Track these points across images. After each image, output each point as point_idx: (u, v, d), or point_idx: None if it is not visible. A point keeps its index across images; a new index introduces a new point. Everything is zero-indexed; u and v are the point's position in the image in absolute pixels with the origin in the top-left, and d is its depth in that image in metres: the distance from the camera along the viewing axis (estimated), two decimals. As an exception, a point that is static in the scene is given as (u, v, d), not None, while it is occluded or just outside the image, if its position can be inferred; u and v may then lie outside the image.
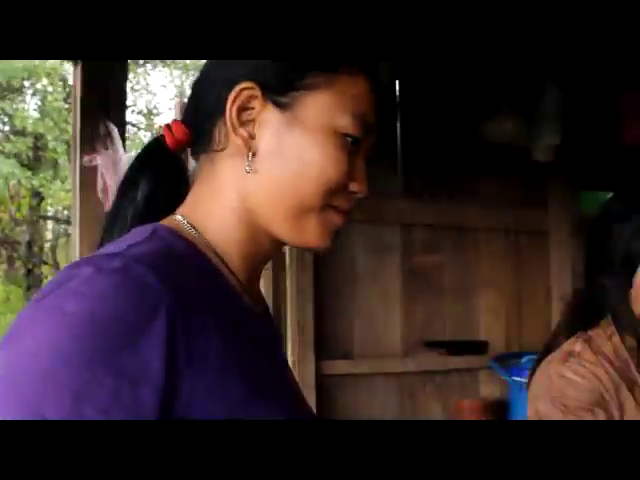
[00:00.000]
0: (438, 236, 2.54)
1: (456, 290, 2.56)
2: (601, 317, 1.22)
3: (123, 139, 1.83)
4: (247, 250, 0.75)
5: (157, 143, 0.79)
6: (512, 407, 2.41)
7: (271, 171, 0.72)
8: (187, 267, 0.68)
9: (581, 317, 1.24)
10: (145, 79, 11.91)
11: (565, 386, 1.13)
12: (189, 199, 0.77)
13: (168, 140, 0.78)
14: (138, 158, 0.80)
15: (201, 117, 0.76)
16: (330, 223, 0.75)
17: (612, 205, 1.28)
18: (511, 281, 2.66)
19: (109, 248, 0.67)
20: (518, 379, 2.38)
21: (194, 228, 0.73)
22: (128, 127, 9.27)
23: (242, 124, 0.72)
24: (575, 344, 1.19)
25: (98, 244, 0.76)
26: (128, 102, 9.34)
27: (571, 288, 2.59)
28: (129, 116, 10.40)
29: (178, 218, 0.74)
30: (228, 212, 0.74)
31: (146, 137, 10.29)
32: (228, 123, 0.72)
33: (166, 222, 0.73)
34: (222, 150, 0.74)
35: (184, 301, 0.62)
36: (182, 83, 11.37)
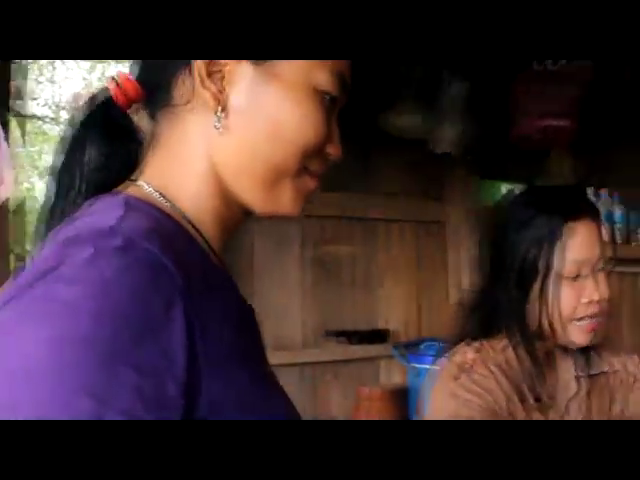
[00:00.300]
0: (339, 227, 2.55)
1: (357, 280, 2.58)
2: (496, 328, 1.18)
3: (25, 131, 1.76)
4: (222, 218, 0.68)
5: (104, 100, 0.69)
6: (411, 393, 2.45)
7: (243, 130, 0.65)
8: (177, 242, 0.60)
9: (477, 326, 1.20)
10: (50, 71, 11.52)
11: (459, 407, 1.10)
12: (149, 163, 0.68)
13: (116, 97, 0.69)
14: (83, 120, 0.70)
15: (160, 67, 0.67)
16: (304, 188, 0.69)
17: (513, 210, 1.20)
18: (411, 270, 2.70)
19: (84, 223, 0.57)
20: (417, 365, 2.42)
21: (164, 197, 0.65)
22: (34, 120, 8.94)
23: (210, 75, 0.64)
24: (467, 353, 1.16)
25: (45, 221, 0.68)
26: (33, 94, 9.03)
27: (468, 276, 2.65)
28: (34, 108, 10.04)
29: (143, 186, 0.65)
30: (200, 178, 0.66)
31: (51, 130, 9.93)
32: (195, 73, 0.64)
33: (131, 191, 0.64)
34: (186, 104, 0.66)
35: (190, 282, 0.55)
36: (89, 74, 11.06)
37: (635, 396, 1.23)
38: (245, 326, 0.69)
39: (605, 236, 1.20)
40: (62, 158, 0.70)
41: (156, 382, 0.50)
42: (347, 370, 2.51)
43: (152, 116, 0.70)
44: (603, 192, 2.38)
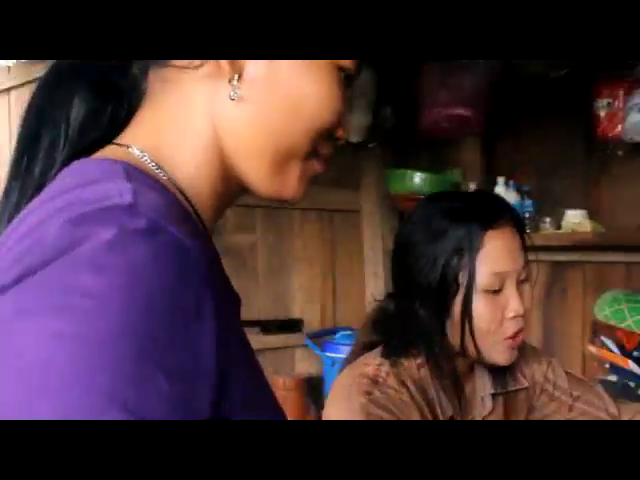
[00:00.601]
0: (251, 216, 2.52)
1: (270, 269, 2.55)
2: (414, 343, 1.09)
3: None
4: (218, 197, 0.62)
5: None
6: (327, 383, 2.45)
7: (258, 103, 0.58)
8: (185, 223, 0.53)
9: (392, 340, 1.11)
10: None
11: None
12: (142, 126, 0.61)
13: None
14: (70, 67, 0.61)
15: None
16: (310, 172, 0.64)
17: (426, 220, 1.10)
18: (325, 259, 2.70)
19: (87, 195, 0.48)
20: (332, 355, 2.42)
21: (160, 168, 0.58)
22: None
23: None
24: (382, 366, 1.07)
25: (16, 189, 0.59)
26: None
27: (383, 266, 2.67)
28: None
29: (133, 152, 0.58)
30: (200, 151, 0.60)
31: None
32: None
33: (120, 157, 0.56)
34: (195, 68, 0.58)
35: (208, 267, 0.49)
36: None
37: (555, 405, 1.21)
38: (237, 316, 0.65)
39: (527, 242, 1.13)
40: (39, 107, 0.61)
41: (188, 388, 0.44)
42: (262, 360, 2.43)
43: (143, 74, 0.62)
44: (512, 182, 2.43)
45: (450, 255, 1.05)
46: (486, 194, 1.16)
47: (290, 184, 0.63)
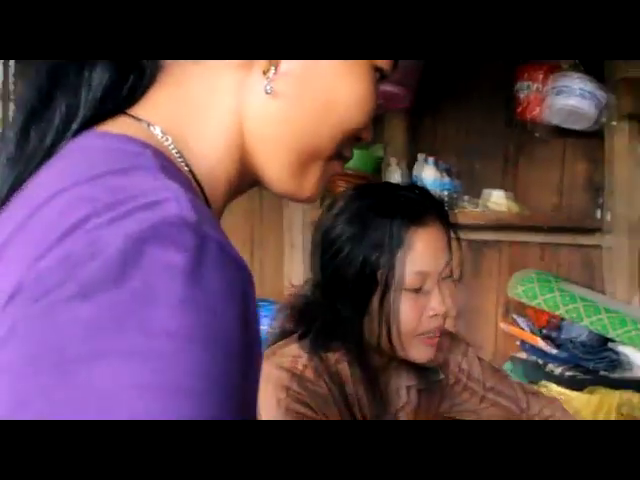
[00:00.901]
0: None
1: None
2: (332, 339, 1.06)
3: None
4: (231, 190, 0.58)
5: None
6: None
7: (292, 99, 0.55)
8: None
9: (310, 335, 1.07)
10: None
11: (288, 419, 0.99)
12: (160, 104, 0.55)
13: None
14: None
15: None
16: (330, 173, 0.61)
17: (348, 214, 1.05)
18: (246, 232, 2.66)
19: (129, 189, 0.44)
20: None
21: (182, 156, 0.53)
22: None
23: None
24: (300, 358, 1.04)
25: (22, 159, 0.52)
26: None
27: (301, 236, 2.65)
28: None
29: (157, 134, 0.53)
30: (223, 141, 0.55)
31: None
32: None
33: (143, 136, 0.51)
34: None
35: None
36: None
37: (467, 395, 1.21)
38: None
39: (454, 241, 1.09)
40: (52, 68, 0.53)
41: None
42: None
43: None
44: (431, 159, 2.44)
45: (370, 252, 1.01)
46: (415, 188, 1.11)
47: (309, 185, 0.60)
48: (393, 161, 2.44)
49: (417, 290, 1.02)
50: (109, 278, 0.39)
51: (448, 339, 1.22)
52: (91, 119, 0.53)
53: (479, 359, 1.23)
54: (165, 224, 0.41)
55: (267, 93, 0.54)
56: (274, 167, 0.58)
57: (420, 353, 1.06)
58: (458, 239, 1.10)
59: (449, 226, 1.08)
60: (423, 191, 1.10)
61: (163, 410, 0.38)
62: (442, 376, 1.18)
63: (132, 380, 0.38)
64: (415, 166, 2.42)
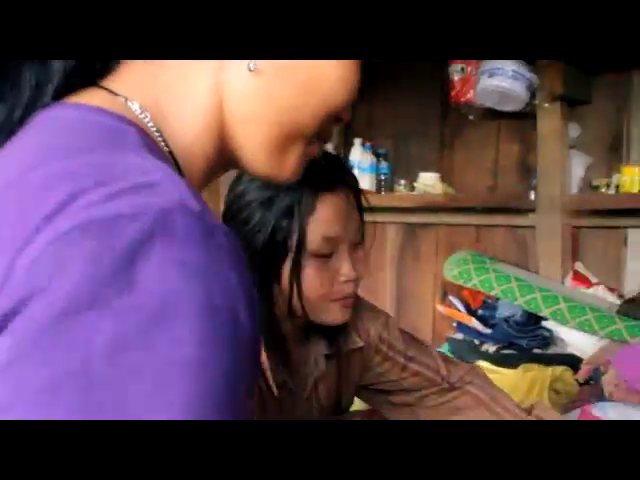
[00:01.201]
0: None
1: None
2: None
3: None
4: (208, 170, 0.56)
5: None
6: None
7: (275, 76, 0.52)
8: None
9: None
10: None
11: None
12: (136, 75, 0.52)
13: None
14: None
15: None
16: (309, 154, 0.59)
17: (249, 190, 1.04)
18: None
19: (116, 168, 0.41)
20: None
21: (160, 133, 0.51)
22: None
23: None
24: None
25: None
26: None
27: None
28: None
29: (135, 110, 0.50)
30: (202, 117, 0.53)
31: None
32: None
33: (119, 111, 0.48)
34: None
35: None
36: None
37: (388, 364, 1.21)
38: None
39: (364, 204, 1.10)
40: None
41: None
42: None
43: None
44: (367, 144, 2.44)
45: (280, 218, 1.00)
46: (325, 156, 1.09)
47: (288, 166, 0.58)
48: (329, 146, 2.43)
49: (328, 256, 1.03)
50: (120, 279, 0.36)
51: (367, 308, 1.23)
52: (62, 92, 0.50)
53: (399, 330, 1.24)
54: (171, 212, 0.39)
55: (250, 70, 0.52)
56: (253, 147, 0.56)
57: (332, 315, 1.07)
58: (365, 208, 1.10)
59: (358, 193, 1.09)
60: (333, 159, 1.10)
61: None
62: (361, 343, 1.19)
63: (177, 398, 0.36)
64: (351, 150, 2.42)
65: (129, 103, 0.50)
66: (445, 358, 1.27)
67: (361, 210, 1.09)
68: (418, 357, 1.22)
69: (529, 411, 1.20)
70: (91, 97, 0.50)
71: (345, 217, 1.04)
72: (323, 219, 1.01)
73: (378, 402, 1.27)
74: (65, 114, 0.49)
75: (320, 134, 0.59)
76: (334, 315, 1.07)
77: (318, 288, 1.03)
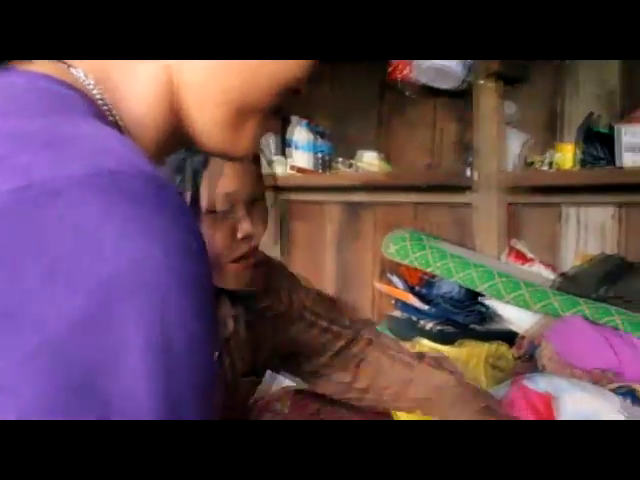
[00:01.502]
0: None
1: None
2: None
3: None
4: (159, 144, 0.53)
5: None
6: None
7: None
8: None
9: None
10: None
11: None
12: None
13: None
14: None
15: None
16: (265, 130, 0.57)
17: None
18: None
19: (58, 129, 0.39)
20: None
21: (105, 102, 0.48)
22: None
23: None
24: None
25: None
26: None
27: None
28: None
29: (80, 77, 0.48)
30: (153, 88, 0.50)
31: None
32: None
33: (65, 78, 0.46)
34: None
35: None
36: None
37: (297, 327, 1.22)
38: None
39: (266, 167, 1.08)
40: None
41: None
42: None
43: None
44: (305, 121, 2.42)
45: (172, 174, 0.96)
46: None
47: (243, 142, 0.56)
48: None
49: (226, 212, 0.99)
50: (84, 249, 0.34)
51: (277, 270, 1.23)
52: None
53: (310, 289, 1.25)
54: (129, 176, 0.37)
55: None
56: (208, 121, 0.54)
57: (236, 279, 1.03)
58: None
59: (257, 151, 1.05)
60: None
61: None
62: (280, 310, 1.18)
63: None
64: (288, 128, 2.39)
65: (72, 70, 0.48)
66: (349, 313, 1.31)
67: (258, 162, 1.05)
68: (330, 315, 1.25)
69: (421, 357, 1.29)
70: (35, 64, 0.48)
71: (241, 171, 1.00)
72: (216, 174, 0.97)
73: (291, 368, 1.29)
74: (11, 80, 0.46)
75: (276, 108, 0.57)
76: (236, 279, 1.04)
77: (217, 245, 0.99)
